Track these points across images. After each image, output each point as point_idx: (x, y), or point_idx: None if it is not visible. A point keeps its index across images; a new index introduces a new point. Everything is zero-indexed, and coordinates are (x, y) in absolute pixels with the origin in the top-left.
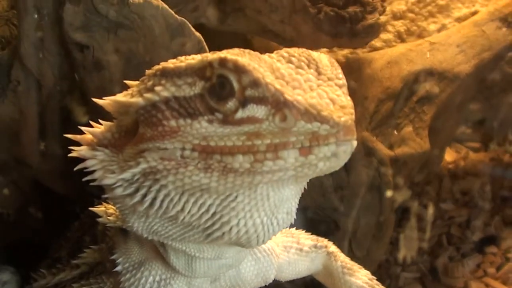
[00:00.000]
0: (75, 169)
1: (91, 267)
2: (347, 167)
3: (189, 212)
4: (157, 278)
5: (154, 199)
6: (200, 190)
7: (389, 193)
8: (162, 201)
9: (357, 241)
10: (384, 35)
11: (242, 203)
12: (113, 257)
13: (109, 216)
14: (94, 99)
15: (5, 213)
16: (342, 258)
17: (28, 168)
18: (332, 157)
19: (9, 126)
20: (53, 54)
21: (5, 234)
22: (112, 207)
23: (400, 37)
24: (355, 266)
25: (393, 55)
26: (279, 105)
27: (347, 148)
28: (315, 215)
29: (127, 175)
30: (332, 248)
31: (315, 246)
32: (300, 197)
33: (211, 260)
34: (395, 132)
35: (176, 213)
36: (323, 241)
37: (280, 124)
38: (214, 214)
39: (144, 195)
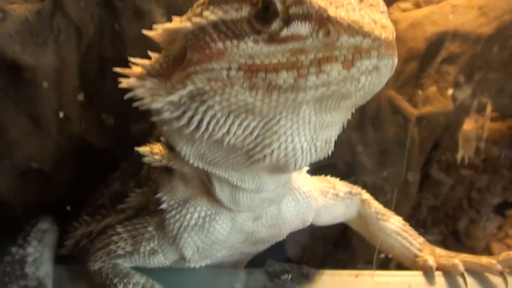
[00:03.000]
0: (125, 97)
1: (136, 211)
2: (374, 124)
3: (234, 134)
4: (202, 214)
5: (201, 121)
6: (245, 111)
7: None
8: (208, 123)
9: (384, 198)
10: (403, 4)
11: (284, 126)
12: (158, 195)
13: (154, 155)
14: (144, 31)
15: (43, 168)
16: (375, 205)
17: (67, 120)
18: (373, 71)
19: (50, 75)
20: (94, 3)
21: (42, 191)
22: (157, 146)
23: (419, 6)
24: (388, 212)
25: (416, 17)
26: (322, 20)
27: (389, 62)
28: (343, 172)
29: (174, 97)
30: (366, 195)
31: (350, 193)
32: (328, 155)
33: (253, 192)
34: (420, 91)
35: (221, 136)
36: (357, 189)
37: (323, 39)
38: (257, 136)
39: (191, 117)
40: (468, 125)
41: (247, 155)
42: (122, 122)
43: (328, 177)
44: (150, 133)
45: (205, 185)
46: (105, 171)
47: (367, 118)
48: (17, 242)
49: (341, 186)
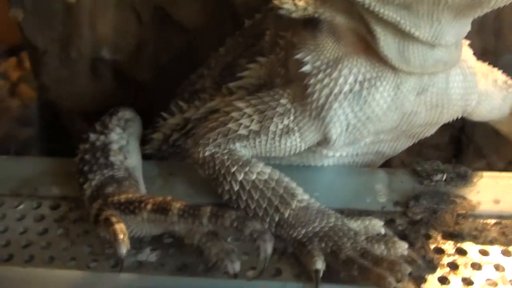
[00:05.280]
0: None
1: (250, 92)
2: None
3: None
4: (360, 77)
5: None
6: None
7: None
8: None
9: None
10: None
11: None
12: (297, 56)
13: (297, 2)
14: None
15: (115, 60)
16: None
17: None
18: None
19: None
20: None
21: (114, 92)
22: None
23: None
24: None
25: None
26: None
27: None
28: None
29: None
30: None
31: (506, 82)
32: None
33: (426, 47)
34: None
35: None
36: None
37: None
38: None
39: None
40: None
41: None
42: None
43: None
44: (256, 8)
45: (362, 41)
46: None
47: None
48: (95, 130)
49: (498, 74)
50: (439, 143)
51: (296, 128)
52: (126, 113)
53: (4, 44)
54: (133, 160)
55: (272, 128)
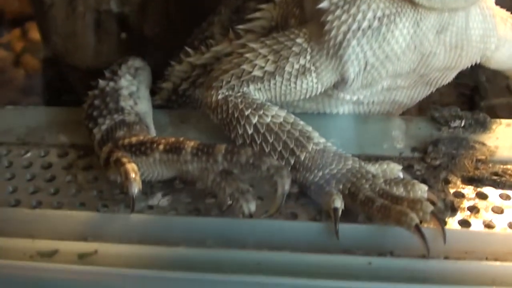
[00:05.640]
0: None
1: (259, 36)
2: None
3: None
4: (379, 13)
5: None
6: None
7: None
8: None
9: None
10: None
11: None
12: None
13: None
14: None
15: (122, 12)
16: None
17: None
18: None
19: None
20: None
21: (120, 47)
22: None
23: None
24: None
25: None
26: None
27: None
28: None
29: None
30: None
31: None
32: None
33: None
34: None
35: None
36: None
37: None
38: None
39: None
40: None
41: None
42: None
43: None
44: None
45: None
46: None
47: None
48: (104, 77)
49: None
50: (451, 103)
51: (312, 68)
52: (136, 62)
53: (8, 15)
54: (144, 106)
55: (287, 68)
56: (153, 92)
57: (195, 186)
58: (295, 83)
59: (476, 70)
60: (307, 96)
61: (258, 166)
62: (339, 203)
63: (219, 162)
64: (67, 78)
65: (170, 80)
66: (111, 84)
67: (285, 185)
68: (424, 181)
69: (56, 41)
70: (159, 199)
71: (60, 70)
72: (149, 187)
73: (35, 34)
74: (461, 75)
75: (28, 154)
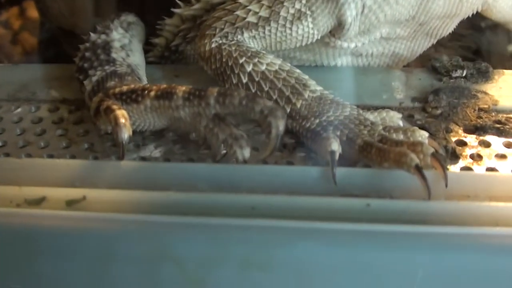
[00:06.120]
0: None
1: None
2: None
3: None
4: None
5: None
6: None
7: None
8: None
9: None
10: None
11: None
12: None
13: None
14: None
15: None
16: None
17: None
18: None
19: None
20: None
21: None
22: None
23: None
24: None
25: None
26: None
27: None
28: None
29: None
30: None
31: None
32: None
33: None
34: None
35: None
36: None
37: None
38: None
39: None
40: None
41: None
42: None
43: None
44: None
45: None
46: None
47: None
48: (96, 30)
49: None
50: None
51: (308, 13)
52: (129, 17)
53: None
54: (136, 58)
55: (282, 13)
56: (146, 51)
57: (188, 137)
58: (291, 29)
59: (479, 32)
60: (303, 43)
61: (251, 108)
62: (336, 146)
63: (211, 105)
64: (65, 49)
65: (162, 35)
66: (103, 36)
67: (280, 126)
68: (426, 130)
69: (50, 5)
70: (151, 151)
71: (57, 39)
72: (141, 138)
73: (33, 12)
74: (463, 37)
75: (19, 110)
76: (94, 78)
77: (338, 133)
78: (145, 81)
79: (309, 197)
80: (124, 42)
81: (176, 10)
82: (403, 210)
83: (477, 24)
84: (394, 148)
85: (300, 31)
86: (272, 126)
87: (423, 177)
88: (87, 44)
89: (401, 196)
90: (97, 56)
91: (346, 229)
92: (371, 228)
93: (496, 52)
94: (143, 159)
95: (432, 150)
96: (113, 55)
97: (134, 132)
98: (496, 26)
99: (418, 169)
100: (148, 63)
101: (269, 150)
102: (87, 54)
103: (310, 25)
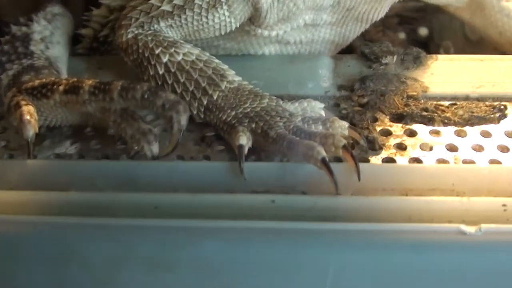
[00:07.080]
0: None
1: None
2: None
3: None
4: None
5: None
6: None
7: None
8: None
9: None
10: None
11: None
12: None
13: None
14: None
15: None
16: None
17: None
18: None
19: None
20: None
21: None
22: None
23: None
24: None
25: None
26: None
27: None
28: None
29: None
30: None
31: None
32: None
33: None
34: None
35: None
36: None
37: None
38: None
39: None
40: None
41: None
42: None
43: None
44: None
45: None
46: None
47: None
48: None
49: None
50: None
51: (223, 0)
52: (55, 8)
53: None
54: (56, 51)
55: (197, 1)
56: (76, 42)
57: (106, 133)
58: (207, 17)
59: (430, 16)
60: (222, 32)
61: (153, 102)
62: (244, 140)
63: (115, 100)
64: None
65: (90, 26)
66: (24, 29)
67: (182, 120)
68: (350, 120)
69: None
70: (67, 147)
71: None
72: (58, 134)
73: None
74: (415, 21)
75: None
76: (11, 72)
77: (253, 125)
78: (64, 74)
79: (212, 195)
80: (45, 34)
81: (103, 1)
82: (310, 206)
83: (430, 7)
84: (303, 141)
85: (216, 20)
86: (173, 120)
87: (329, 171)
88: (7, 37)
89: (313, 190)
90: (15, 49)
91: (250, 227)
92: (274, 225)
93: (449, 35)
94: (58, 156)
95: (343, 142)
96: (32, 47)
97: (52, 128)
98: None
99: (325, 163)
100: (77, 55)
101: (172, 145)
102: (6, 47)
103: (226, 13)
